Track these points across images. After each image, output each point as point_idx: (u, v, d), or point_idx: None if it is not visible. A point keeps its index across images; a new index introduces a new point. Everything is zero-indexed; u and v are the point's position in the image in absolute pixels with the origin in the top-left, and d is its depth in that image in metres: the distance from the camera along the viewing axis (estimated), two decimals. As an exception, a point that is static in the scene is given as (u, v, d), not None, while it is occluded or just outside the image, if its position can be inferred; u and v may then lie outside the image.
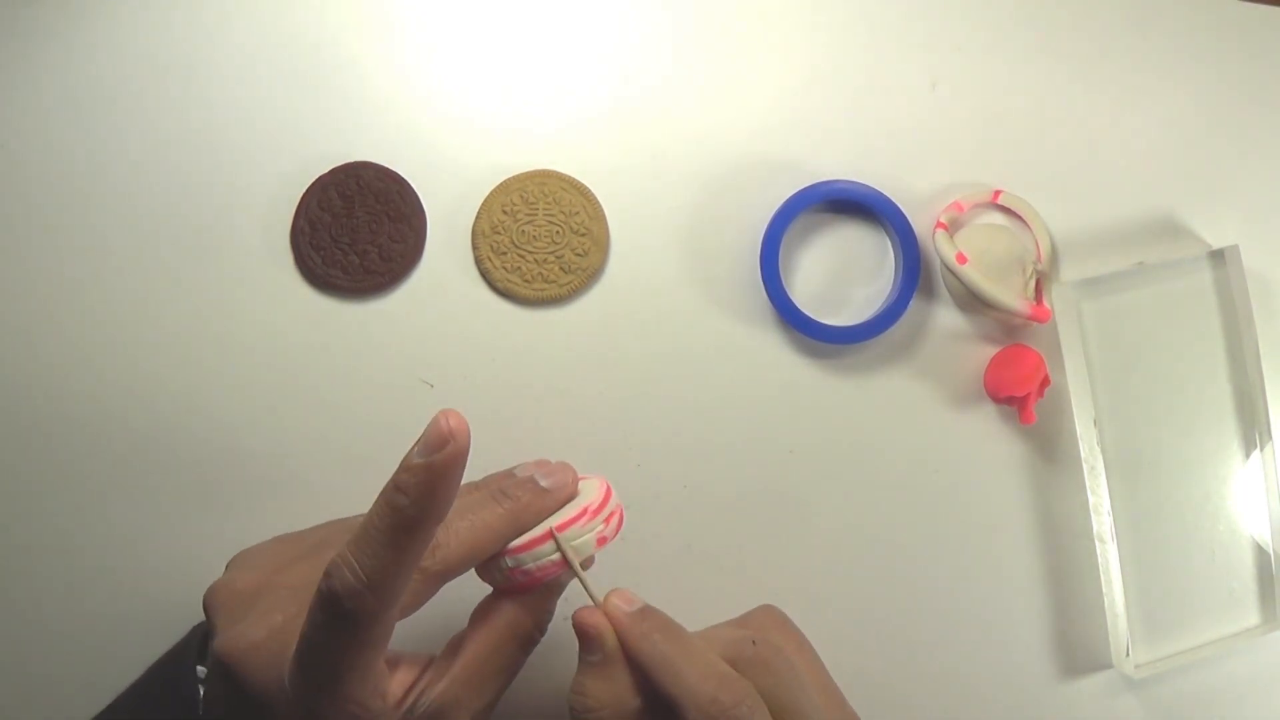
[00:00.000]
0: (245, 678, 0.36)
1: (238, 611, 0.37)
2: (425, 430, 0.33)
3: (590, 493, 0.38)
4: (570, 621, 0.36)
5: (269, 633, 0.36)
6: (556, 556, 0.37)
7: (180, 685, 0.39)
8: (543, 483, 0.38)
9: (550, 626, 0.39)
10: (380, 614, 0.33)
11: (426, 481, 0.32)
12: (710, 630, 0.38)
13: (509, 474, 0.39)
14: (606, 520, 0.38)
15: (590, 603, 0.37)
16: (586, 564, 0.38)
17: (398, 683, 0.36)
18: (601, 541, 0.38)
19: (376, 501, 0.33)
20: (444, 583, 0.37)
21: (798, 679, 0.36)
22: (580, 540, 0.37)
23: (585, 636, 0.36)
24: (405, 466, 0.33)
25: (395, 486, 0.33)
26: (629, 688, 0.36)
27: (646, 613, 0.37)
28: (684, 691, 0.34)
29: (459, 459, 0.33)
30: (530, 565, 0.37)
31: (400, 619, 0.36)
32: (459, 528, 0.36)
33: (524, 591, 0.37)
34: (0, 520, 0.47)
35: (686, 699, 0.34)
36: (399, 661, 0.37)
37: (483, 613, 0.38)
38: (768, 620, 0.40)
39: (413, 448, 0.33)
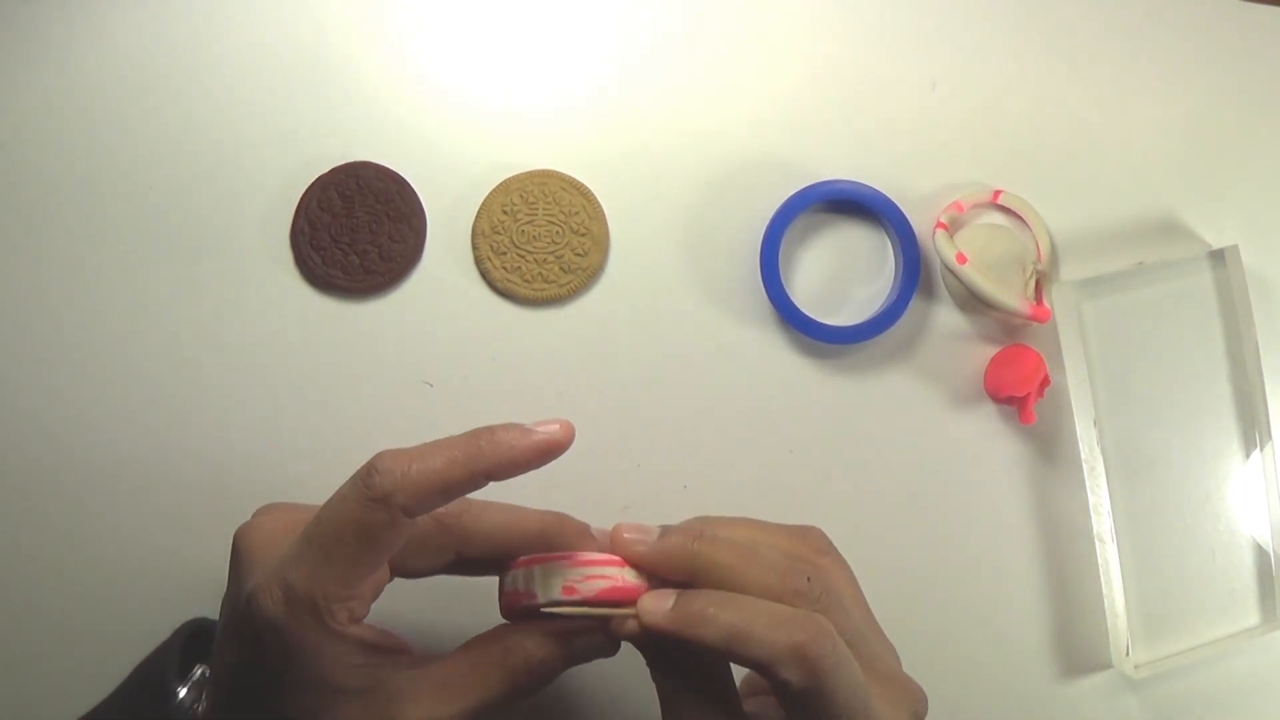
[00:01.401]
0: (248, 557, 0.36)
1: (270, 551, 0.36)
2: (546, 422, 0.35)
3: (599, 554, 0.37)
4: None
5: (285, 526, 0.36)
6: (519, 586, 0.36)
7: (163, 686, 0.39)
8: (529, 426, 0.36)
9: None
10: (399, 514, 0.33)
11: (520, 442, 0.34)
12: (752, 531, 0.38)
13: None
14: (623, 575, 0.36)
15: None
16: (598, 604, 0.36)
17: (377, 635, 0.36)
18: (611, 590, 0.36)
19: (461, 435, 0.34)
20: (458, 553, 0.36)
21: (851, 619, 0.36)
22: (580, 573, 0.36)
23: (622, 638, 0.36)
24: (512, 426, 0.34)
25: (491, 431, 0.34)
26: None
27: (685, 603, 0.35)
28: (764, 654, 0.33)
29: (549, 453, 0.35)
30: (519, 585, 0.36)
31: (413, 575, 0.37)
32: (494, 510, 0.37)
33: (531, 619, 0.37)
34: None
35: (769, 659, 0.33)
36: (392, 637, 0.37)
37: (488, 634, 0.37)
38: (822, 543, 0.39)
39: (529, 425, 0.35)
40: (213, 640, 0.40)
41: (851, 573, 0.39)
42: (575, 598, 0.35)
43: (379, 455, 0.34)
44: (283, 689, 0.34)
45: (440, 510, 0.35)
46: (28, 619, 0.47)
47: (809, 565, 0.37)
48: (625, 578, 0.36)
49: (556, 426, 0.35)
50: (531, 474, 0.48)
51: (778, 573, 0.36)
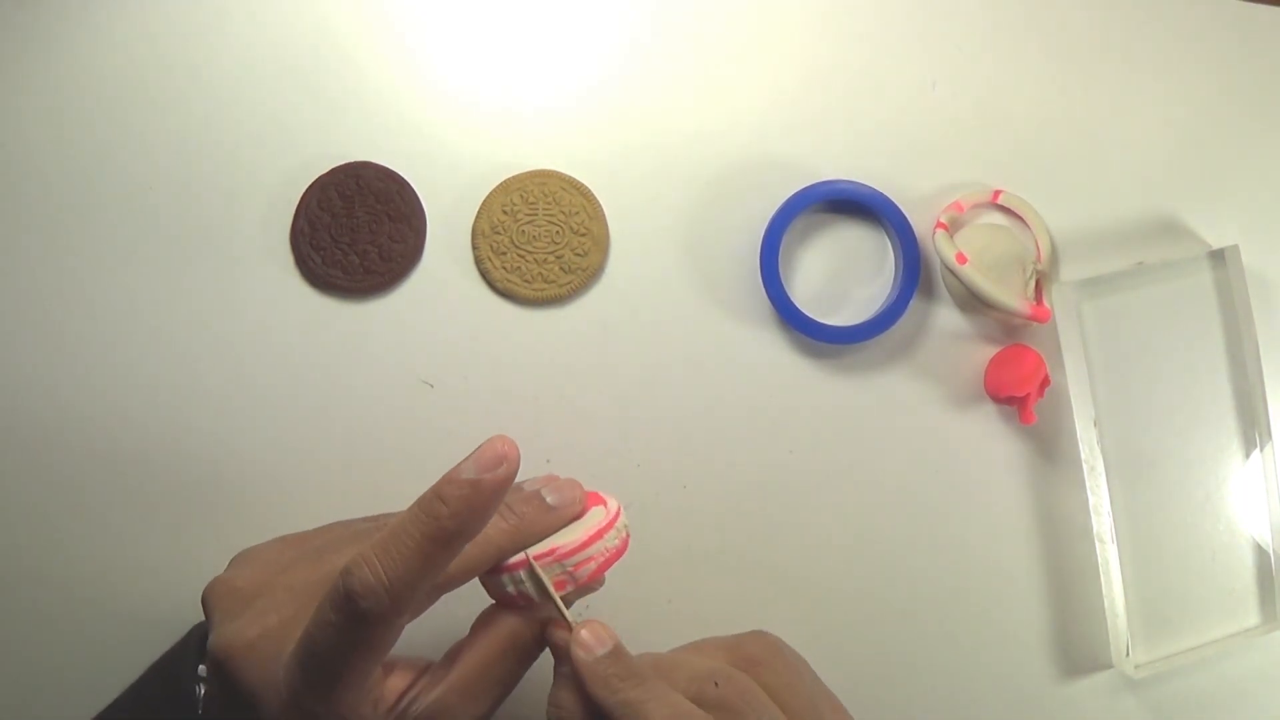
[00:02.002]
0: (238, 676, 0.36)
1: (234, 609, 0.37)
2: (479, 449, 0.33)
3: (596, 516, 0.38)
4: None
5: (263, 632, 0.36)
6: (529, 586, 0.37)
7: (179, 684, 0.39)
8: (549, 499, 0.37)
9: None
10: (393, 620, 0.33)
11: (472, 498, 0.33)
12: (683, 656, 0.38)
13: (517, 487, 0.38)
14: (605, 548, 0.37)
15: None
16: (591, 584, 0.37)
17: (391, 688, 0.36)
18: (599, 568, 0.37)
19: (412, 508, 0.33)
20: (441, 595, 0.36)
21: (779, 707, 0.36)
22: (562, 568, 0.37)
23: (556, 651, 0.36)
24: (452, 479, 0.33)
25: (438, 496, 0.33)
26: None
27: (614, 657, 0.35)
28: None
29: (507, 483, 0.33)
30: (510, 588, 0.37)
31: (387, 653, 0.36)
32: (399, 563, 0.35)
33: (517, 607, 0.37)
34: None
35: None
36: (394, 666, 0.37)
37: (484, 622, 0.37)
38: (756, 647, 0.38)
39: (462, 463, 0.33)
40: None
41: (795, 673, 0.38)
42: (571, 587, 0.37)
43: (348, 573, 0.32)
44: None
45: None
46: (26, 619, 0.47)
47: (722, 675, 0.36)
48: (607, 547, 0.37)
49: (495, 451, 0.33)
50: (531, 474, 0.48)
51: (687, 678, 0.36)
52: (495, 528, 0.36)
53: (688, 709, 0.34)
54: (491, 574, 0.37)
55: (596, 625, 0.36)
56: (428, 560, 0.33)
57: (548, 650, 0.37)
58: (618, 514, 0.38)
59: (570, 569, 0.37)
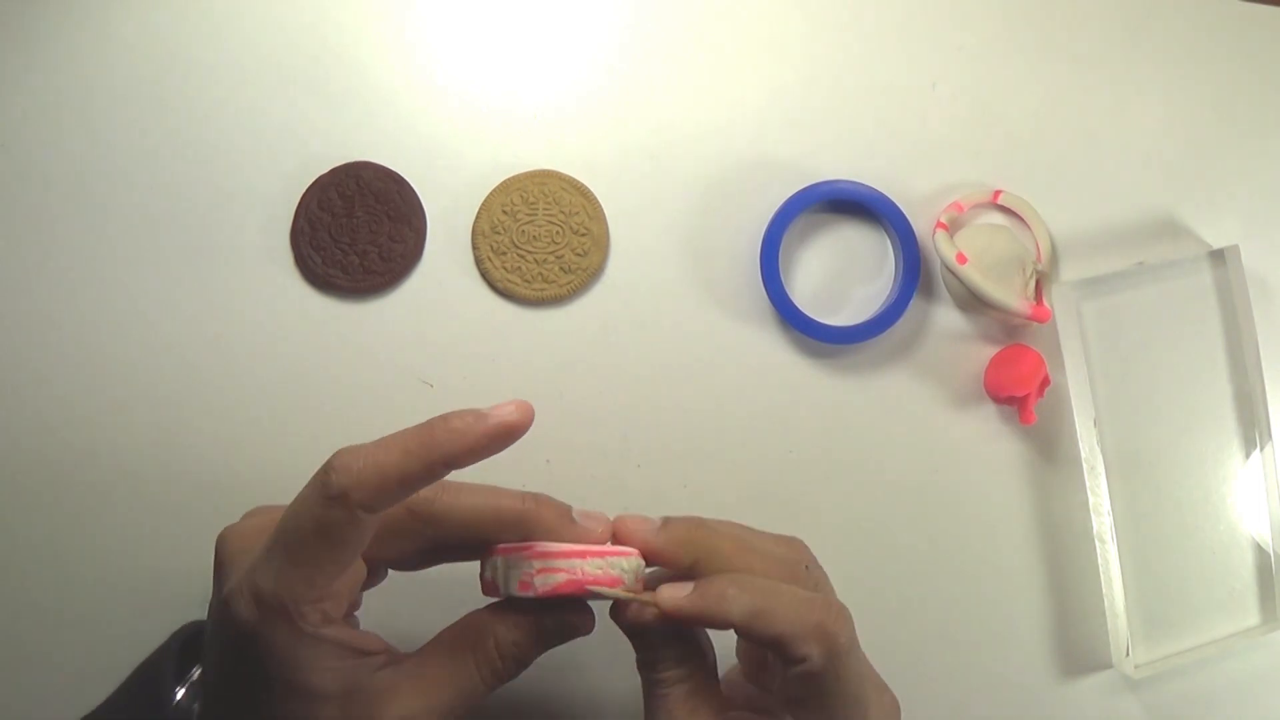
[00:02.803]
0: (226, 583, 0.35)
1: (246, 555, 0.36)
2: (503, 406, 0.34)
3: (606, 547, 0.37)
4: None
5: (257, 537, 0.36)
6: (500, 574, 0.36)
7: (159, 689, 0.39)
8: (484, 411, 0.35)
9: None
10: (358, 509, 0.33)
11: (474, 423, 0.33)
12: (758, 540, 0.38)
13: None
14: (582, 569, 0.36)
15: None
16: (553, 596, 0.36)
17: (355, 635, 0.36)
18: (565, 585, 0.35)
19: (415, 426, 0.33)
20: (431, 538, 0.36)
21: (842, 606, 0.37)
22: (530, 566, 0.35)
23: (637, 628, 0.36)
24: (463, 410, 0.33)
25: (442, 416, 0.33)
26: (694, 642, 0.37)
27: (705, 586, 0.35)
28: (787, 630, 0.34)
29: (511, 429, 0.34)
30: (486, 573, 0.36)
31: (392, 565, 0.37)
32: (465, 492, 0.36)
33: (495, 594, 0.37)
34: None
35: (791, 635, 0.34)
36: (372, 637, 0.37)
37: (458, 623, 0.37)
38: (803, 552, 0.39)
39: (484, 410, 0.34)
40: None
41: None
42: (529, 593, 0.35)
43: (336, 453, 0.33)
44: (263, 692, 0.34)
45: (411, 498, 0.35)
46: (25, 619, 0.47)
47: (809, 560, 0.38)
48: (585, 570, 0.36)
49: (512, 408, 0.34)
50: (531, 474, 0.48)
51: (775, 561, 0.37)
52: (405, 433, 0.35)
53: (805, 593, 0.35)
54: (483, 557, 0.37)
55: (666, 588, 0.36)
56: (408, 458, 0.33)
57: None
58: (624, 554, 0.37)
59: (533, 571, 0.35)
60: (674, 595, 0.35)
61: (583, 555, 0.36)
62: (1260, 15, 0.51)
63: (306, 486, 0.34)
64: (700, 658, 0.37)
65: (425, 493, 0.36)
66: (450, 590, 0.40)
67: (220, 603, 0.35)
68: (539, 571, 0.35)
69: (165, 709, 0.39)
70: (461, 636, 0.36)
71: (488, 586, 0.37)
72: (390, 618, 0.41)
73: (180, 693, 0.40)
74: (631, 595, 0.36)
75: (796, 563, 0.37)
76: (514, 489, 0.37)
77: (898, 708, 0.38)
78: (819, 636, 0.34)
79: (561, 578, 0.35)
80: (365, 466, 0.33)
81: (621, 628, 0.37)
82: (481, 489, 0.37)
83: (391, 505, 0.34)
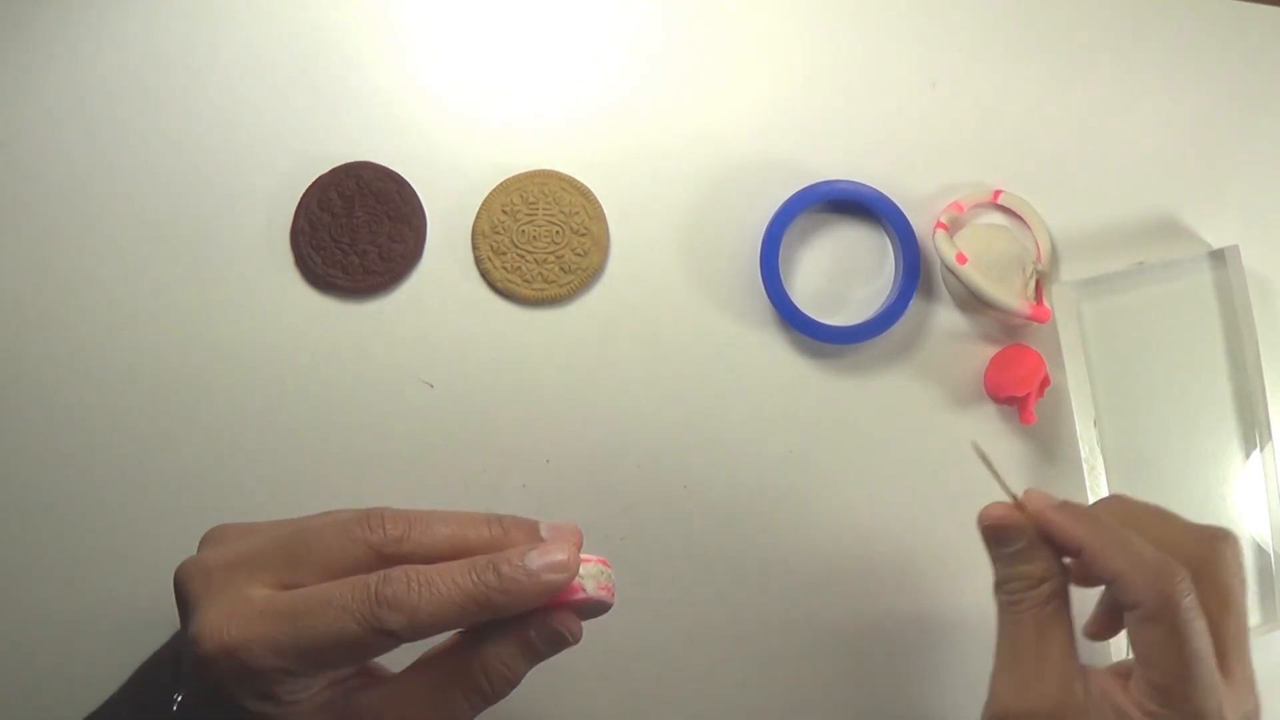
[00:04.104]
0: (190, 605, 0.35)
1: (207, 591, 0.35)
2: (548, 545, 0.35)
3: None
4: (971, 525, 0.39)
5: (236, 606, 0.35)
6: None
7: (159, 692, 0.39)
8: (533, 564, 0.35)
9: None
10: (394, 644, 0.33)
11: (526, 586, 0.34)
12: (1150, 518, 0.40)
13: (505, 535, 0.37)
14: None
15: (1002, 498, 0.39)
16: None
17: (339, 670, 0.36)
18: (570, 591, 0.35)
19: (467, 563, 0.34)
20: (399, 643, 0.35)
21: (1227, 616, 0.38)
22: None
23: (1001, 530, 0.39)
24: (515, 563, 0.34)
25: (495, 569, 0.34)
26: (1054, 563, 0.38)
27: (1069, 505, 0.39)
28: (1130, 566, 0.36)
29: (558, 589, 0.34)
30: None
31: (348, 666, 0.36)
32: (435, 598, 0.34)
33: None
34: None
35: (1133, 572, 0.36)
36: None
37: (444, 643, 0.37)
38: (1218, 553, 0.39)
39: (530, 550, 0.34)
40: None
41: (1235, 597, 0.39)
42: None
43: (389, 579, 0.33)
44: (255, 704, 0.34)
45: (378, 540, 0.35)
46: (25, 619, 0.47)
47: (1185, 577, 0.37)
48: (582, 579, 0.36)
49: (563, 557, 0.34)
50: (531, 474, 0.48)
51: (1169, 542, 0.38)
52: (462, 590, 0.34)
53: (1157, 553, 0.37)
54: None
55: (1040, 492, 0.39)
56: (460, 613, 0.33)
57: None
58: (604, 562, 0.36)
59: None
60: (1042, 502, 0.39)
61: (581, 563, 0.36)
62: (1260, 15, 0.51)
63: (351, 598, 0.33)
64: (1057, 582, 0.38)
65: (393, 532, 0.35)
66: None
67: (192, 640, 0.34)
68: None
69: (166, 710, 0.38)
70: (447, 657, 0.36)
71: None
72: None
73: (180, 697, 0.40)
74: (1008, 493, 0.39)
75: (1176, 571, 0.36)
76: (479, 513, 0.37)
77: (1247, 707, 0.38)
78: (1154, 584, 0.35)
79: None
80: (421, 611, 0.33)
81: (984, 533, 0.39)
82: (448, 520, 0.36)
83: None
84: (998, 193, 0.49)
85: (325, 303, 0.48)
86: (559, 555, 0.35)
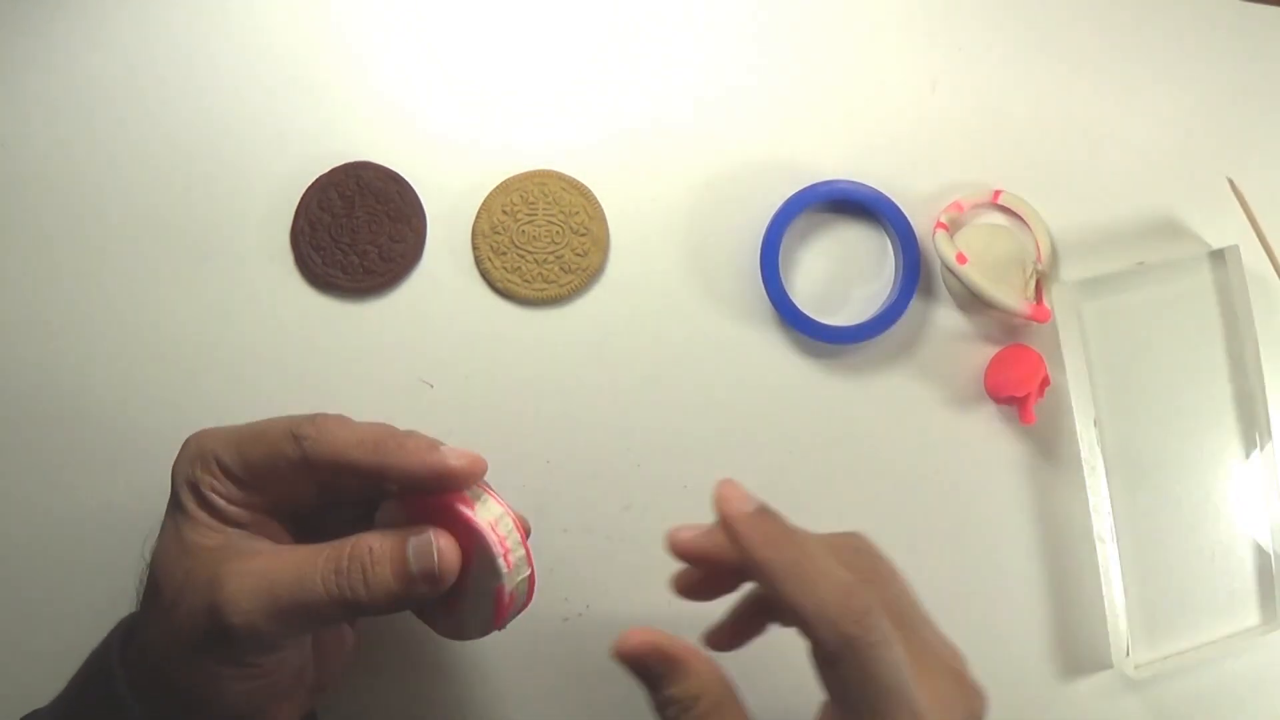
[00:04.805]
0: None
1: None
2: (459, 454, 0.37)
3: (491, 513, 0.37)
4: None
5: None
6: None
7: (105, 685, 0.39)
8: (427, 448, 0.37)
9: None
10: (303, 456, 0.36)
11: (424, 461, 0.36)
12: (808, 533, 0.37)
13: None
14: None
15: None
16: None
17: (232, 507, 0.38)
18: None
19: (380, 425, 0.37)
20: (316, 468, 0.37)
21: (905, 591, 0.36)
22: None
23: (638, 663, 0.35)
24: (424, 442, 0.37)
25: (401, 440, 0.37)
26: (706, 672, 0.35)
27: (765, 513, 0.35)
28: (815, 602, 0.32)
29: (440, 480, 0.36)
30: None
31: (275, 477, 0.38)
32: (346, 432, 0.37)
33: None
34: None
35: (816, 610, 0.32)
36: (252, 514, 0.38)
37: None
38: (861, 543, 0.38)
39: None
40: None
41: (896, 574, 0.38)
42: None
43: (323, 416, 0.37)
44: (165, 536, 0.38)
45: (288, 446, 0.37)
46: (24, 618, 0.47)
47: (860, 545, 0.37)
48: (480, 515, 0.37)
49: (464, 461, 0.36)
50: (531, 474, 0.48)
51: (824, 544, 0.36)
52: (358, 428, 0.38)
53: (847, 575, 0.33)
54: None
55: (734, 483, 0.36)
56: (356, 457, 0.37)
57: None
58: (508, 512, 0.37)
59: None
60: (736, 505, 0.35)
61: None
62: (1260, 15, 0.51)
63: (285, 418, 0.37)
64: (715, 691, 0.35)
65: (303, 430, 0.37)
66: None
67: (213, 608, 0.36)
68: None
69: (115, 703, 0.38)
70: (333, 543, 0.37)
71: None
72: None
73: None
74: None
75: (846, 546, 0.36)
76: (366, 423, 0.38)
77: (970, 706, 0.36)
78: (837, 622, 0.32)
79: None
80: (332, 432, 0.37)
81: (625, 665, 0.35)
82: (348, 425, 0.38)
83: (329, 460, 0.37)
84: (998, 193, 0.49)
85: (325, 303, 0.48)
86: (453, 458, 0.36)
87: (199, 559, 0.37)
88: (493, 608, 0.36)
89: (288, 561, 0.36)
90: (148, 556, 0.39)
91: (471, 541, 0.36)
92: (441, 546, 0.36)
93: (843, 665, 0.32)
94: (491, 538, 0.36)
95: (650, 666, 0.35)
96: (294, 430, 0.37)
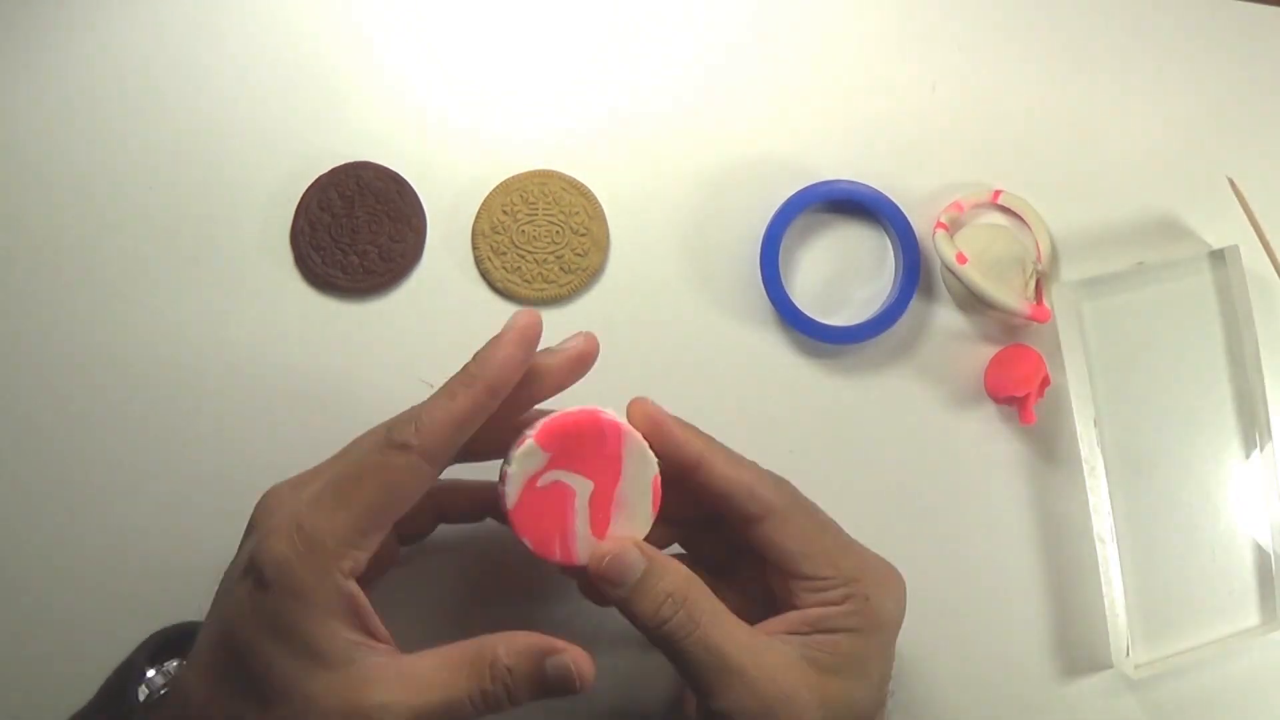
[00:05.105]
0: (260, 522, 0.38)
1: (284, 508, 0.38)
2: (513, 324, 0.37)
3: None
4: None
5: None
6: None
7: (123, 700, 0.39)
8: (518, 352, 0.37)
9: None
10: (415, 456, 0.35)
11: (489, 347, 0.37)
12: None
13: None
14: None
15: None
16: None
17: (371, 610, 0.36)
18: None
19: (454, 375, 0.37)
20: (435, 464, 0.36)
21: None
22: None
23: (619, 566, 0.37)
24: (492, 343, 0.37)
25: (473, 357, 0.37)
26: (679, 566, 0.38)
27: (676, 419, 0.40)
28: (740, 475, 0.38)
29: (522, 336, 0.37)
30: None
31: (404, 508, 0.37)
32: (433, 408, 0.36)
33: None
34: None
35: (743, 480, 0.38)
36: (383, 629, 0.37)
37: (468, 640, 0.37)
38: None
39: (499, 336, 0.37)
40: (180, 649, 0.41)
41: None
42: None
43: (397, 416, 0.37)
44: (266, 647, 0.34)
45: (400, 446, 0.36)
46: (25, 619, 0.47)
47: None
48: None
49: (522, 318, 0.37)
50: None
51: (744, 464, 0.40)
52: (465, 391, 0.37)
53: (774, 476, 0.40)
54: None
55: (642, 401, 0.39)
56: (451, 398, 0.36)
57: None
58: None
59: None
60: (654, 410, 0.39)
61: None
62: (1260, 15, 0.51)
63: (365, 439, 0.37)
64: (694, 575, 0.38)
65: (402, 435, 0.36)
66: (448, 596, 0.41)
67: (251, 550, 0.36)
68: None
69: (131, 703, 0.38)
70: (463, 649, 0.36)
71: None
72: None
73: (144, 691, 0.40)
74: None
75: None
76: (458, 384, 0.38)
77: (899, 577, 0.40)
78: (775, 485, 0.39)
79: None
80: (421, 417, 0.35)
81: (601, 577, 0.37)
82: (441, 396, 0.37)
83: (451, 450, 0.36)
84: (998, 193, 0.49)
85: (325, 303, 0.48)
86: (518, 321, 0.37)
87: (329, 678, 0.35)
88: (650, 500, 0.38)
89: (432, 687, 0.35)
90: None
91: (619, 444, 0.38)
92: (578, 663, 0.36)
93: (795, 519, 0.38)
94: (638, 433, 0.38)
95: (631, 568, 0.37)
96: (390, 440, 0.35)
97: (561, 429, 0.37)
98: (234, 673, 0.35)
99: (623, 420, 0.38)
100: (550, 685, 0.36)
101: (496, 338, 0.37)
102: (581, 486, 0.37)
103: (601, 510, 0.37)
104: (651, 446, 0.38)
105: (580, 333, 0.39)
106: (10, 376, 0.48)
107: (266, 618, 0.35)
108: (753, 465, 0.39)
